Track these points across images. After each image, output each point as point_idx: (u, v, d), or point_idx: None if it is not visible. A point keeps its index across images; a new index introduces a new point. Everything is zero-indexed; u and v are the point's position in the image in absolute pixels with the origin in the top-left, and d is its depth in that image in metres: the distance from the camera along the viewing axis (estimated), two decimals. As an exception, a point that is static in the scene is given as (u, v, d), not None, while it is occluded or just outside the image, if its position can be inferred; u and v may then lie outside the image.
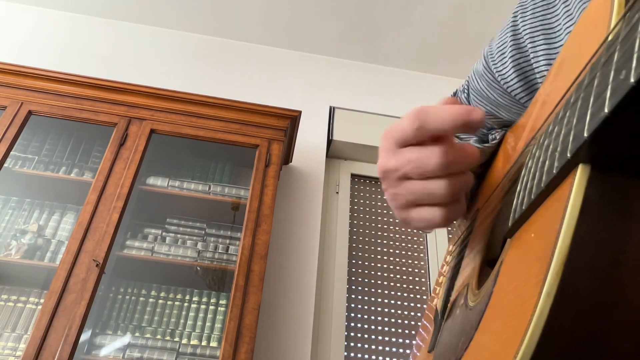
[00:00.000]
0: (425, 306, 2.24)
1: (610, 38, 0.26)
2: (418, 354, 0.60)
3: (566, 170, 0.26)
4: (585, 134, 0.24)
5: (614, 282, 0.23)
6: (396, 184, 0.44)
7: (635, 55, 0.21)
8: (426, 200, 0.43)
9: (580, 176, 0.25)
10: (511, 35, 0.53)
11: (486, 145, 0.59)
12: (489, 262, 0.46)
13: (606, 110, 0.22)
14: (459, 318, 0.43)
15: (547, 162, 0.29)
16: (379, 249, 2.36)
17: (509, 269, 0.32)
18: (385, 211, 2.48)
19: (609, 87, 0.23)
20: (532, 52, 0.50)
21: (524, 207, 0.31)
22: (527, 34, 0.51)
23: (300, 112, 2.15)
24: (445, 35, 2.65)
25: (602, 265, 0.23)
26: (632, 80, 0.21)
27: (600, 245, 0.24)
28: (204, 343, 1.77)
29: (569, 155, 0.26)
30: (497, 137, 0.58)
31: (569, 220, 0.24)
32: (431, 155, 0.41)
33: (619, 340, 0.23)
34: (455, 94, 0.67)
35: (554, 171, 0.27)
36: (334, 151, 2.57)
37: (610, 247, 0.24)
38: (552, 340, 0.23)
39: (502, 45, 0.55)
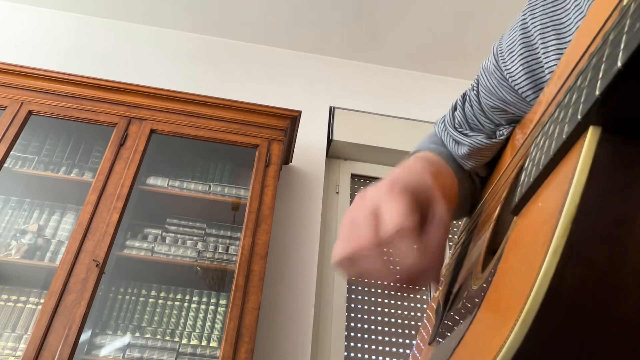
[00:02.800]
0: (426, 306, 2.24)
1: (624, 2, 0.25)
2: (417, 348, 0.60)
3: (576, 134, 0.26)
4: (597, 92, 0.23)
5: (621, 243, 0.23)
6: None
7: None
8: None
9: (590, 138, 0.24)
10: (520, 34, 0.54)
11: (494, 140, 0.60)
12: (494, 251, 0.45)
13: (619, 64, 0.21)
14: (462, 305, 0.42)
15: (557, 131, 0.28)
16: (379, 249, 2.36)
17: (515, 241, 0.32)
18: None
19: (623, 41, 0.22)
20: (542, 49, 0.50)
21: (532, 179, 0.31)
22: (537, 31, 0.51)
23: (300, 112, 2.15)
24: (445, 35, 2.65)
25: (610, 227, 0.23)
26: None
27: (609, 207, 0.23)
28: (204, 343, 1.77)
29: (579, 117, 0.25)
30: (505, 134, 0.59)
31: (578, 182, 0.24)
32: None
33: (624, 300, 0.23)
34: (464, 95, 0.67)
35: (564, 136, 0.27)
36: (334, 151, 2.57)
37: (618, 210, 0.23)
38: (558, 298, 0.23)
39: (511, 43, 0.56)
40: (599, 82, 0.23)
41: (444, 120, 0.69)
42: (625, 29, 0.22)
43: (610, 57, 0.23)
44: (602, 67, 0.24)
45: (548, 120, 0.33)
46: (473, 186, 0.68)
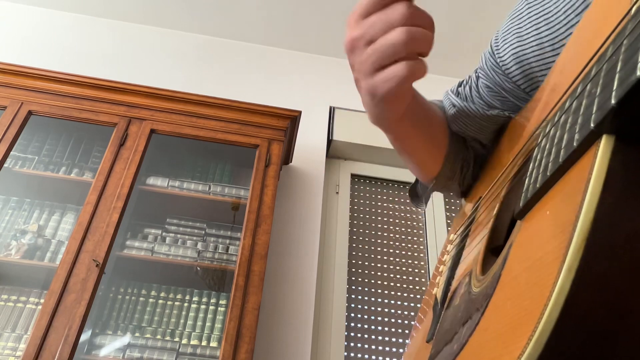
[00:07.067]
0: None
1: (633, 10, 0.25)
2: (414, 344, 0.59)
3: (588, 142, 0.25)
4: (613, 101, 0.23)
5: (638, 260, 0.22)
6: (362, 52, 0.46)
7: None
8: (390, 54, 0.45)
9: (604, 147, 0.24)
10: (515, 23, 0.55)
11: (482, 112, 0.61)
12: (493, 250, 0.44)
13: (639, 74, 0.21)
14: (461, 306, 0.42)
15: (565, 137, 0.28)
16: (379, 249, 2.36)
17: (521, 249, 0.31)
18: (385, 211, 2.48)
19: None
20: (536, 41, 0.51)
21: (538, 185, 0.30)
22: (531, 22, 0.52)
23: (300, 112, 2.15)
24: (445, 35, 2.65)
25: (626, 241, 0.22)
26: None
27: (625, 220, 0.23)
28: (204, 343, 1.77)
29: (592, 125, 0.24)
30: (495, 114, 0.60)
31: (592, 194, 0.23)
32: (394, 10, 0.44)
33: None
34: (468, 78, 0.68)
35: (575, 144, 0.26)
36: (334, 151, 2.57)
37: (635, 223, 0.23)
38: (572, 318, 0.22)
39: (506, 31, 0.57)
40: (614, 90, 0.23)
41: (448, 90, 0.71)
42: None
43: (627, 66, 0.22)
44: (617, 76, 0.23)
45: (551, 123, 0.32)
46: (465, 150, 0.67)
